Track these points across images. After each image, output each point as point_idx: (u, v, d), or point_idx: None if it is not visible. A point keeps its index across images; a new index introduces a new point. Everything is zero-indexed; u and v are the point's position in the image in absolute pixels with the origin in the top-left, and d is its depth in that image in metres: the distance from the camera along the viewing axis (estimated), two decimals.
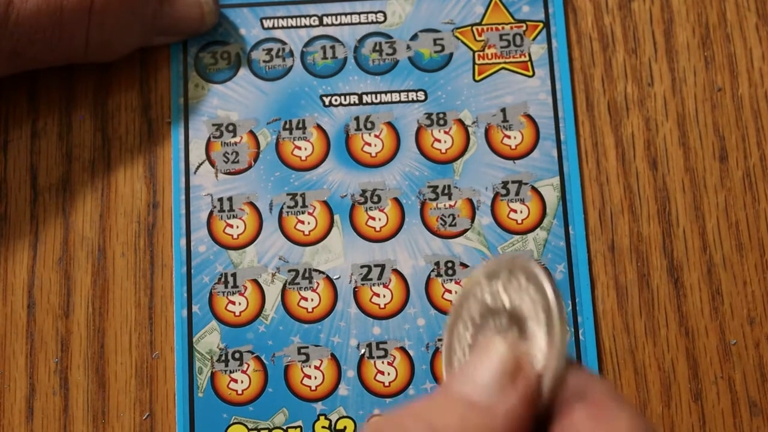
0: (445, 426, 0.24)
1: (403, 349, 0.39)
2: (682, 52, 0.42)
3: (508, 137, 0.41)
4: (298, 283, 0.40)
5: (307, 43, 0.42)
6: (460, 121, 0.41)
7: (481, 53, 0.42)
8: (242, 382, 0.39)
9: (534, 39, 0.42)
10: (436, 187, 0.40)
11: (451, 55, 0.42)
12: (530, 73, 0.41)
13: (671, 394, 0.38)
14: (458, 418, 0.24)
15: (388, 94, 0.41)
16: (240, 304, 0.39)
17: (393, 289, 0.39)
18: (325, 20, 0.42)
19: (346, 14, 0.42)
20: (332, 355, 0.39)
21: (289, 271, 0.40)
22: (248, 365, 0.39)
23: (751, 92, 0.41)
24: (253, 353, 0.39)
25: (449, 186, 0.40)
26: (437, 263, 0.40)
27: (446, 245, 0.40)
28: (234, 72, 0.42)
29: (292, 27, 0.42)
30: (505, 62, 0.42)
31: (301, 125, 0.41)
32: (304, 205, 0.40)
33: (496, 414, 0.24)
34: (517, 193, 0.40)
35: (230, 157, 0.41)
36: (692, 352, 0.39)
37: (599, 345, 0.39)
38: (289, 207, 0.40)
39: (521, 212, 0.40)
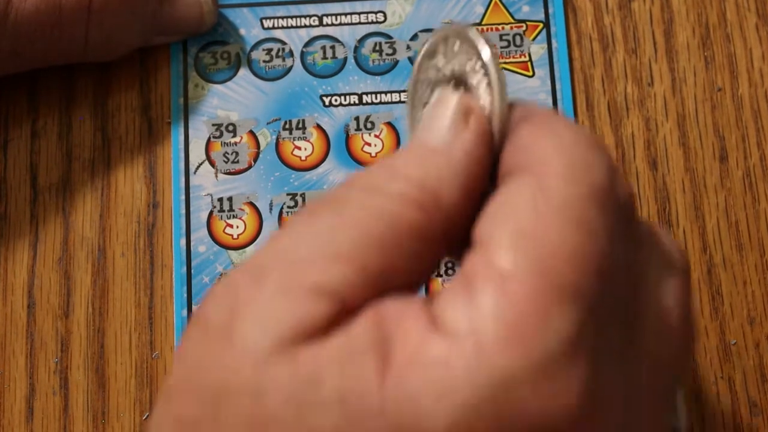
0: (406, 167, 0.26)
1: None
2: (682, 52, 0.42)
3: None
4: None
5: (307, 43, 0.42)
6: None
7: None
8: None
9: (534, 39, 0.42)
10: None
11: None
12: (530, 73, 0.41)
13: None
14: (419, 160, 0.26)
15: (388, 94, 0.41)
16: None
17: None
18: (325, 20, 0.42)
19: (346, 14, 0.42)
20: None
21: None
22: None
23: (751, 92, 0.41)
24: None
25: None
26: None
27: None
28: (234, 72, 0.42)
29: (292, 27, 0.42)
30: (504, 62, 0.42)
31: (301, 125, 0.41)
32: (304, 206, 0.40)
33: (453, 152, 0.26)
34: None
35: (230, 157, 0.41)
36: (692, 353, 0.39)
37: None
38: (289, 207, 0.40)
39: None
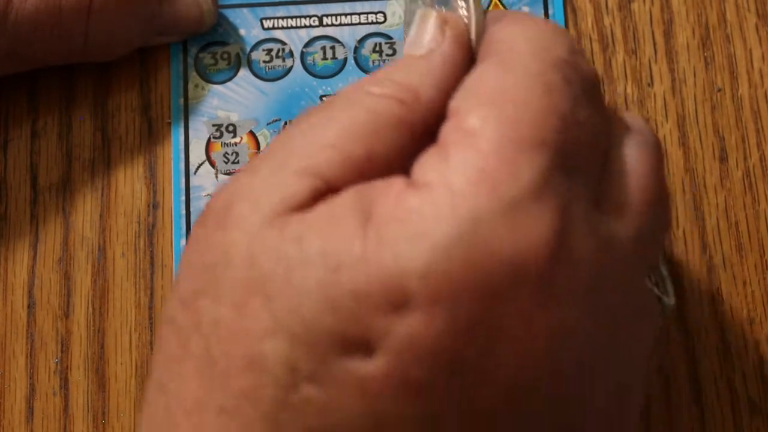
0: (390, 73, 0.28)
1: None
2: (681, 52, 0.42)
3: None
4: None
5: (307, 44, 0.42)
6: None
7: None
8: None
9: None
10: None
11: None
12: None
13: (671, 394, 0.38)
14: (403, 67, 0.28)
15: None
16: None
17: None
18: (325, 21, 0.42)
19: (346, 15, 0.42)
20: None
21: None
22: None
23: (751, 93, 0.41)
24: None
25: None
26: None
27: None
28: (234, 72, 0.42)
29: (292, 27, 0.42)
30: None
31: None
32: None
33: (432, 57, 0.28)
34: None
35: (230, 157, 0.41)
36: (692, 353, 0.39)
37: None
38: None
39: None
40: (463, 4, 0.30)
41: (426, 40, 0.29)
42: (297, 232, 0.25)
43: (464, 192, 0.24)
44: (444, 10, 0.30)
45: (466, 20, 0.30)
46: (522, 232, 0.24)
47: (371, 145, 0.27)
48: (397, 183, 0.26)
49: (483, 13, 0.30)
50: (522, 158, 0.25)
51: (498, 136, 0.25)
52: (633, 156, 0.28)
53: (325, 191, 0.26)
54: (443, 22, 0.29)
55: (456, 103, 0.27)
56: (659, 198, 0.28)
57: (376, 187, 0.26)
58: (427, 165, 0.26)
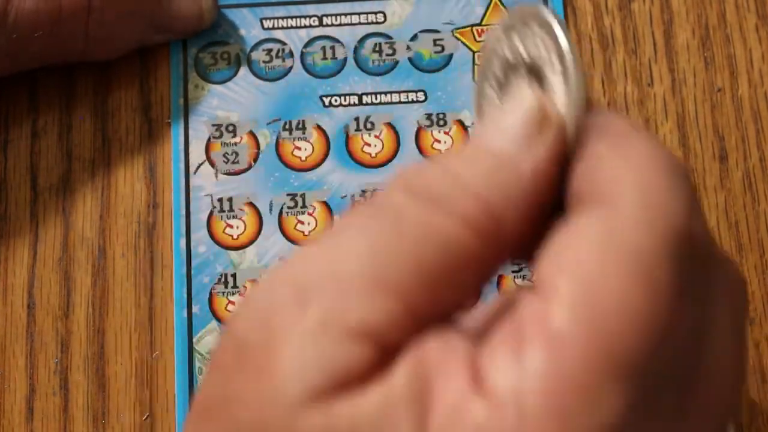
0: (470, 177, 0.23)
1: None
2: (681, 52, 0.42)
3: None
4: None
5: (307, 44, 0.42)
6: (460, 122, 0.41)
7: (481, 54, 0.42)
8: None
9: None
10: None
11: (451, 55, 0.42)
12: None
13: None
14: (485, 171, 0.23)
15: (388, 95, 0.41)
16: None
17: None
18: (325, 21, 0.42)
19: (345, 15, 0.42)
20: None
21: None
22: None
23: (751, 93, 0.41)
24: None
25: None
26: None
27: None
28: (234, 72, 0.42)
29: (291, 27, 0.42)
30: None
31: (301, 126, 0.41)
32: (304, 206, 0.40)
33: (523, 167, 0.23)
34: None
35: (230, 157, 0.41)
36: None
37: None
38: (289, 207, 0.40)
39: None
40: (560, 84, 0.24)
41: (515, 131, 0.24)
42: (346, 425, 0.21)
43: (535, 420, 0.21)
44: (537, 87, 0.25)
45: (559, 101, 0.24)
46: None
47: (439, 291, 0.22)
48: (459, 375, 0.22)
49: (586, 104, 0.24)
50: (606, 389, 0.21)
51: (585, 352, 0.21)
52: (727, 335, 0.23)
53: (381, 357, 0.22)
54: (544, 118, 0.24)
55: (545, 272, 0.22)
56: (741, 375, 0.25)
57: (438, 364, 0.22)
58: (499, 358, 0.22)
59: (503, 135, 0.24)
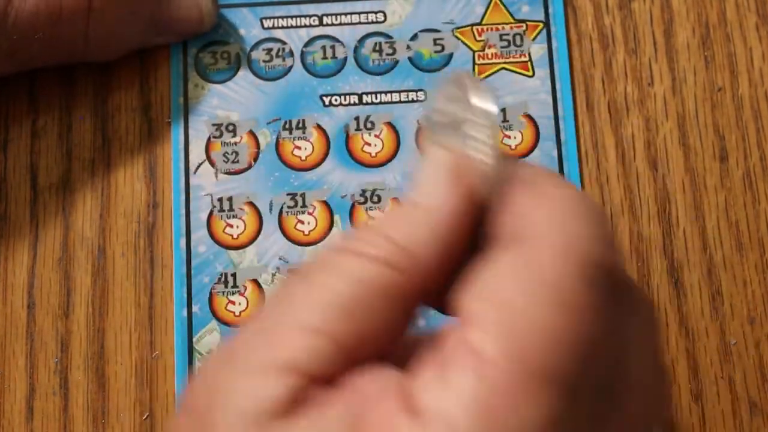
0: (388, 227, 0.25)
1: None
2: (682, 52, 0.42)
3: (509, 137, 0.41)
4: None
5: (307, 43, 0.42)
6: None
7: (481, 53, 0.42)
8: None
9: (534, 39, 0.42)
10: None
11: (451, 55, 0.42)
12: (530, 74, 0.41)
13: (671, 394, 0.38)
14: (403, 219, 0.26)
15: (388, 94, 0.41)
16: (240, 304, 0.39)
17: None
18: (325, 20, 0.42)
19: (346, 14, 0.42)
20: None
21: (290, 271, 0.40)
22: None
23: (751, 92, 0.41)
24: None
25: None
26: None
27: None
28: (234, 72, 0.42)
29: (292, 27, 0.42)
30: (505, 62, 0.42)
31: (301, 125, 0.41)
32: (304, 205, 0.40)
33: (439, 212, 0.26)
34: None
35: (230, 157, 0.41)
36: (692, 353, 0.39)
37: None
38: (289, 207, 0.40)
39: None
40: (480, 145, 0.26)
41: (433, 185, 0.26)
42: None
43: (461, 430, 0.22)
44: (451, 142, 0.27)
45: (481, 160, 0.26)
46: None
47: (360, 324, 0.24)
48: (391, 401, 0.23)
49: (504, 161, 0.26)
50: (530, 400, 0.22)
51: (507, 370, 0.22)
52: (639, 358, 0.25)
53: (310, 387, 0.24)
54: (458, 171, 0.26)
55: (467, 302, 0.24)
56: (664, 386, 0.26)
57: (368, 399, 0.23)
58: (425, 383, 0.23)
59: (422, 187, 0.26)
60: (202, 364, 0.26)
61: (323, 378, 0.24)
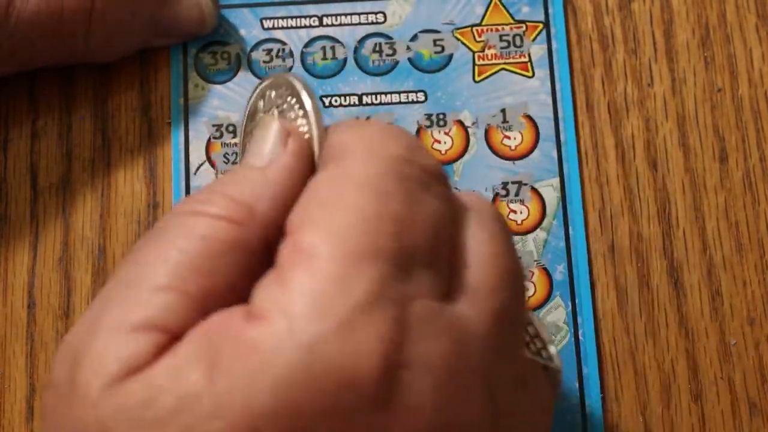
0: (224, 187, 0.28)
1: None
2: (682, 52, 0.42)
3: (508, 138, 0.41)
4: None
5: (307, 44, 0.42)
6: (460, 122, 0.41)
7: (481, 54, 0.42)
8: None
9: (534, 40, 0.42)
10: None
11: (451, 55, 0.42)
12: (530, 74, 0.42)
13: (671, 394, 0.38)
14: (239, 179, 0.28)
15: (388, 95, 0.41)
16: None
17: None
18: (325, 21, 0.42)
19: (346, 15, 0.42)
20: None
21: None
22: None
23: (751, 93, 0.41)
24: None
25: None
26: None
27: None
28: (234, 72, 0.42)
29: (292, 27, 0.42)
30: (505, 63, 0.42)
31: None
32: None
33: (271, 169, 0.28)
34: (517, 194, 0.40)
35: (231, 158, 0.41)
36: (692, 353, 0.39)
37: (599, 346, 0.39)
38: None
39: (521, 213, 0.40)
40: (303, 121, 0.29)
41: (266, 150, 0.29)
42: (144, 393, 0.24)
43: (301, 317, 0.24)
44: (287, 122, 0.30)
45: (305, 128, 0.29)
46: (355, 349, 0.24)
47: (208, 277, 0.26)
48: (236, 318, 0.25)
49: (324, 127, 0.29)
50: (356, 271, 0.25)
51: (331, 252, 0.25)
52: (475, 237, 0.28)
53: (168, 341, 0.25)
54: (286, 134, 0.29)
55: (292, 217, 0.27)
56: (509, 272, 0.28)
57: (216, 326, 0.25)
58: (265, 292, 0.25)
59: (255, 152, 0.29)
60: (63, 340, 0.27)
61: (181, 330, 0.25)
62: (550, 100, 0.41)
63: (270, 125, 0.29)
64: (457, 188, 0.40)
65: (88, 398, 0.25)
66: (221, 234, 0.27)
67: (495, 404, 0.27)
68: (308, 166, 0.29)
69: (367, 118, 0.41)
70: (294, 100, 0.30)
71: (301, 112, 0.30)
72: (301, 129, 0.29)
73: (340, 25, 0.42)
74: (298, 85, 0.30)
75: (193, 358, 0.25)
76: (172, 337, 0.25)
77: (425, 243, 0.26)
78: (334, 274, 0.25)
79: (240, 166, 0.29)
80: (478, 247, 0.28)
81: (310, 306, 0.24)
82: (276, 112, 0.31)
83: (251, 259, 0.27)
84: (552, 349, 0.33)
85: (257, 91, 0.32)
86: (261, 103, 0.32)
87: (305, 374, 0.24)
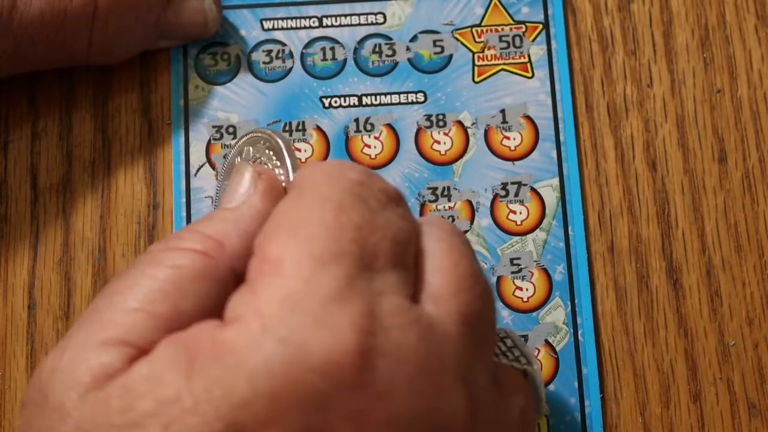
0: (200, 225, 0.29)
1: None
2: (681, 53, 0.42)
3: (508, 138, 0.41)
4: None
5: (307, 45, 0.42)
6: (460, 123, 0.41)
7: (481, 54, 0.42)
8: None
9: (533, 40, 0.42)
10: (436, 188, 0.40)
11: (451, 56, 0.42)
12: (530, 75, 0.42)
13: (670, 395, 0.39)
14: (213, 219, 0.30)
15: (388, 96, 0.41)
16: None
17: None
18: (325, 21, 0.42)
19: (345, 15, 0.42)
20: None
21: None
22: None
23: (750, 94, 0.41)
24: None
25: (449, 187, 0.40)
26: None
27: None
28: (234, 73, 0.42)
29: (292, 28, 0.42)
30: (504, 63, 0.42)
31: (301, 127, 0.41)
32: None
33: (241, 208, 0.30)
34: (517, 195, 0.40)
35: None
36: (691, 354, 0.39)
37: (598, 346, 0.39)
38: None
39: (520, 213, 0.40)
40: (281, 171, 0.32)
41: (239, 193, 0.31)
42: (121, 400, 0.25)
43: (273, 314, 0.26)
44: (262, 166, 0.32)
45: (280, 171, 0.31)
46: (328, 338, 0.25)
47: (177, 300, 0.28)
48: (209, 326, 0.27)
49: (296, 166, 0.31)
50: (321, 271, 0.26)
51: (297, 258, 0.27)
52: (435, 248, 0.29)
53: (138, 355, 0.27)
54: (257, 176, 0.31)
55: (258, 239, 0.28)
56: (469, 276, 0.29)
57: (190, 335, 0.27)
58: (237, 302, 0.27)
59: (229, 195, 0.31)
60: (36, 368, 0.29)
61: (151, 347, 0.27)
62: (549, 101, 0.41)
63: (243, 171, 0.31)
64: (456, 188, 0.40)
65: (64, 409, 0.26)
66: (190, 263, 0.28)
67: (473, 402, 0.27)
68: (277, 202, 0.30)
69: (367, 119, 0.41)
70: (272, 152, 0.32)
71: (278, 162, 0.32)
72: (279, 178, 0.31)
73: (340, 26, 0.42)
74: (279, 141, 0.32)
75: (169, 362, 0.26)
76: (141, 351, 0.27)
77: (387, 249, 0.28)
78: (302, 276, 0.26)
79: (213, 210, 0.31)
80: (438, 256, 0.29)
81: (281, 305, 0.26)
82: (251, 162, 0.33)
83: (220, 288, 0.28)
84: (535, 365, 0.33)
85: (235, 148, 0.34)
86: (238, 159, 0.34)
87: (281, 365, 0.25)
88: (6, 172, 0.41)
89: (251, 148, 0.33)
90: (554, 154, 0.41)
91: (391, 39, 0.42)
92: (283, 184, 0.31)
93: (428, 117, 0.41)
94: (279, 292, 0.26)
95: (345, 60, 0.42)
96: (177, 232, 0.30)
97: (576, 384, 0.39)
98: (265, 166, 0.32)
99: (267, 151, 0.33)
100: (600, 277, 0.40)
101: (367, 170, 0.30)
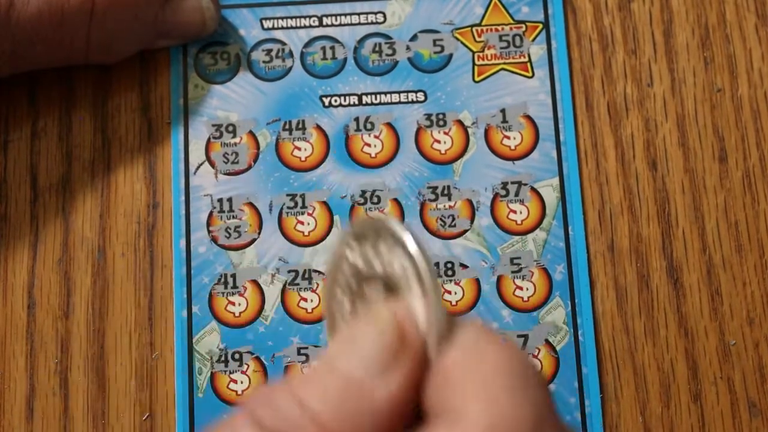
0: (319, 406, 0.22)
1: None
2: (681, 52, 0.42)
3: (508, 138, 0.41)
4: (298, 284, 0.40)
5: (307, 44, 0.42)
6: (460, 122, 0.41)
7: (481, 54, 0.42)
8: (242, 382, 0.39)
9: (533, 40, 0.42)
10: (436, 187, 0.40)
11: (451, 55, 0.42)
12: (530, 74, 0.42)
13: (671, 394, 0.38)
14: (335, 398, 0.23)
15: (388, 95, 0.41)
16: (240, 304, 0.39)
17: None
18: (325, 21, 0.42)
19: (345, 15, 0.42)
20: None
21: (289, 271, 0.40)
22: (248, 366, 0.39)
23: (751, 93, 0.41)
24: (252, 354, 0.39)
25: (449, 187, 0.40)
26: (437, 264, 0.40)
27: (446, 246, 0.40)
28: (234, 72, 0.42)
29: (291, 27, 0.42)
30: (504, 63, 0.42)
31: (300, 126, 0.41)
32: (303, 206, 0.40)
33: (377, 397, 0.23)
34: (517, 194, 0.40)
35: (230, 157, 0.41)
36: (691, 353, 0.39)
37: (599, 346, 0.39)
38: (288, 208, 0.40)
39: (521, 213, 0.40)
40: (417, 294, 0.23)
41: (371, 356, 0.23)
42: None
43: None
44: (394, 303, 0.24)
45: (417, 315, 0.24)
46: None
47: None
48: None
49: (443, 311, 0.23)
50: None
51: None
52: None
53: None
54: (401, 341, 0.23)
55: None
56: None
57: None
58: None
59: (357, 360, 0.23)
60: None
61: None
62: (549, 100, 0.41)
63: (380, 320, 0.23)
64: (456, 187, 0.40)
65: None
66: None
67: None
68: (417, 386, 0.24)
69: (367, 118, 0.41)
70: (412, 276, 0.24)
71: (415, 286, 0.24)
72: (413, 303, 0.24)
73: (340, 25, 0.42)
74: (420, 263, 0.24)
75: None
76: None
77: None
78: None
79: (338, 370, 0.23)
80: None
81: None
82: (382, 295, 0.25)
83: None
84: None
85: (363, 223, 0.26)
86: (358, 257, 0.26)
87: None
88: (6, 172, 0.41)
89: (371, 252, 0.25)
90: (554, 153, 0.41)
91: (391, 38, 0.42)
92: (420, 327, 0.23)
93: (428, 116, 0.41)
94: None
95: (345, 59, 0.42)
96: (287, 395, 0.23)
97: (576, 384, 0.38)
98: (397, 291, 0.24)
99: (399, 265, 0.24)
100: (600, 276, 0.40)
101: (540, 410, 0.23)
